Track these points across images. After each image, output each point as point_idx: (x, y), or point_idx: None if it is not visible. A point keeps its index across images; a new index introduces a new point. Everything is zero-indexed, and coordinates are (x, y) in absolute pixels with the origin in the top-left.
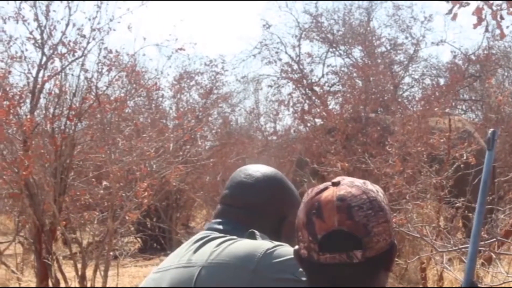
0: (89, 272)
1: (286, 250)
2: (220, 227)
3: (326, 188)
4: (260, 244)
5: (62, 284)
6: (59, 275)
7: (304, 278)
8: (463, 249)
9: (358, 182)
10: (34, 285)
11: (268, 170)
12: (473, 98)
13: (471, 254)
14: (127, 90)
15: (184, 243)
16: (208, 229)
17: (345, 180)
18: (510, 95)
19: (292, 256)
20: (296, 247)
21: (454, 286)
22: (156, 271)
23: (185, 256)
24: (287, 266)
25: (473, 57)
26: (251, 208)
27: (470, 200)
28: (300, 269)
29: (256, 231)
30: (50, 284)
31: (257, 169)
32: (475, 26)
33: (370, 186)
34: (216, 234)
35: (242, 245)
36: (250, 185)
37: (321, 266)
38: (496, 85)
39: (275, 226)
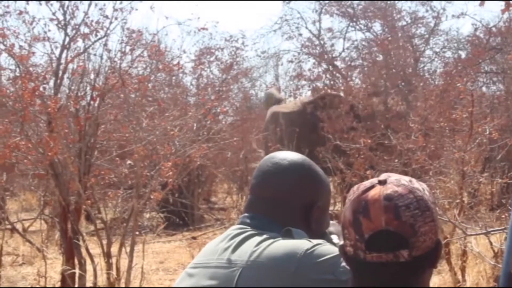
0: (113, 249)
1: (325, 249)
2: (254, 222)
3: (372, 187)
4: (299, 244)
5: (88, 262)
6: (85, 254)
7: (344, 278)
8: (492, 233)
9: (404, 180)
10: (59, 262)
11: (295, 157)
12: (494, 70)
13: (509, 247)
14: (151, 69)
15: (218, 237)
16: (242, 223)
17: (391, 178)
18: None
19: (332, 255)
20: (341, 243)
21: (477, 261)
22: (193, 266)
23: (224, 254)
24: (327, 266)
25: (494, 30)
26: (280, 197)
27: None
28: (341, 268)
29: (292, 229)
30: (77, 263)
31: (284, 157)
32: (503, 11)
33: (416, 184)
34: (253, 231)
35: (281, 246)
36: (277, 174)
37: (367, 264)
38: None
39: (305, 212)
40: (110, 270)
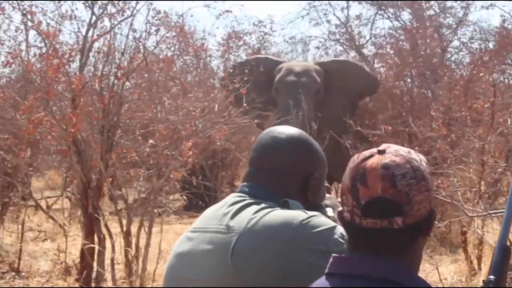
0: (134, 229)
1: (320, 221)
2: (253, 191)
3: (371, 156)
4: (295, 215)
5: (107, 239)
6: (104, 230)
7: (336, 249)
8: (493, 214)
9: (403, 151)
10: (80, 239)
11: (293, 131)
12: None
13: (506, 219)
14: (175, 50)
15: (218, 204)
16: (241, 191)
17: (391, 148)
18: None
19: (326, 227)
20: (340, 209)
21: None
22: (192, 230)
23: (223, 220)
24: (321, 237)
25: None
26: (279, 169)
27: None
28: (333, 240)
29: (289, 200)
30: (96, 239)
31: (282, 131)
32: None
33: (414, 155)
34: (251, 200)
35: (278, 216)
36: (276, 147)
37: (362, 230)
38: None
39: (302, 183)
40: (128, 247)
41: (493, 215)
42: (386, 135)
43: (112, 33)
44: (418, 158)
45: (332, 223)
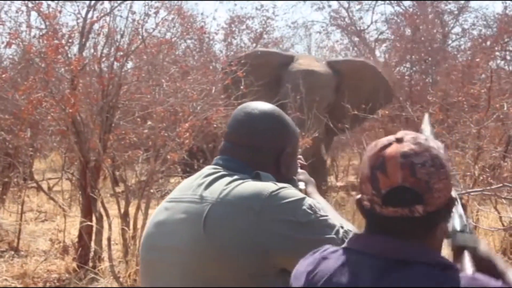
0: (133, 211)
1: (289, 193)
2: (227, 164)
3: (390, 144)
4: (266, 186)
5: (105, 219)
6: (102, 211)
7: (304, 220)
8: (472, 194)
9: (421, 138)
10: (79, 219)
11: (266, 106)
12: None
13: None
14: (173, 32)
15: (194, 175)
16: (216, 164)
17: (408, 136)
18: None
19: (295, 198)
20: (358, 196)
21: (488, 234)
22: (169, 200)
23: (197, 190)
24: (290, 208)
25: None
26: (252, 144)
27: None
28: (301, 211)
29: (261, 172)
30: (94, 219)
31: (256, 107)
32: None
33: (432, 143)
34: (225, 172)
35: (249, 187)
36: (249, 122)
37: (383, 218)
38: None
39: (275, 157)
40: (125, 227)
41: (472, 194)
42: (382, 119)
43: (111, 15)
44: (436, 145)
45: (301, 195)
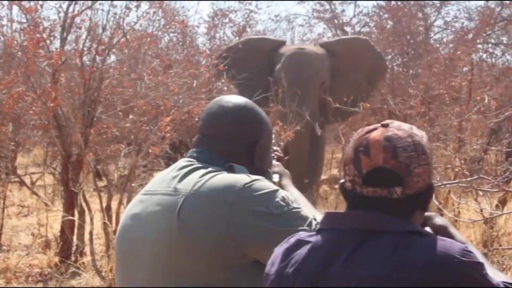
0: (114, 205)
1: (262, 185)
2: (201, 156)
3: (375, 129)
4: (239, 178)
5: (87, 213)
6: (84, 205)
7: (276, 211)
8: (448, 185)
9: (406, 126)
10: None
11: (239, 100)
12: (504, 42)
13: None
14: (159, 26)
15: (168, 168)
16: (190, 156)
17: (394, 123)
18: None
19: (268, 190)
20: (342, 180)
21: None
22: (144, 193)
23: (171, 183)
24: (262, 199)
25: (507, 1)
26: (225, 136)
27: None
28: (274, 203)
29: (234, 165)
30: (76, 213)
31: (229, 100)
32: None
33: (416, 131)
34: (199, 164)
35: (223, 179)
36: (222, 115)
37: (363, 198)
38: None
39: (249, 150)
40: (107, 221)
41: (447, 186)
42: (364, 112)
43: (93, 9)
44: (420, 134)
45: (275, 187)
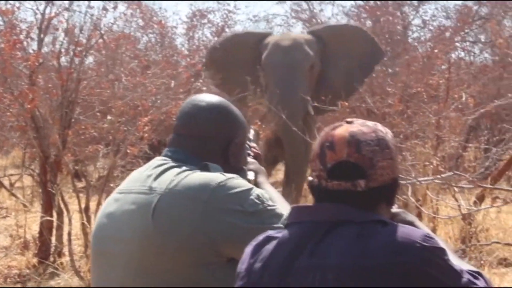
0: (93, 206)
1: (237, 183)
2: (176, 155)
3: (340, 125)
4: (214, 177)
5: (66, 215)
6: (63, 206)
7: (251, 209)
8: (423, 182)
9: (370, 123)
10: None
11: (213, 99)
12: (482, 40)
13: None
14: (133, 27)
15: (143, 167)
16: (165, 155)
17: (359, 120)
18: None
19: (242, 188)
20: (310, 178)
21: (447, 224)
22: (119, 191)
23: (146, 181)
24: (237, 198)
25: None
26: (199, 135)
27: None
28: (249, 201)
29: (209, 163)
30: (54, 214)
31: (203, 99)
32: None
33: (380, 127)
34: (174, 163)
35: (197, 177)
36: (196, 114)
37: (328, 191)
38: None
39: (223, 148)
40: (85, 221)
41: (423, 182)
42: (342, 110)
43: (70, 10)
44: (384, 130)
45: (249, 185)
